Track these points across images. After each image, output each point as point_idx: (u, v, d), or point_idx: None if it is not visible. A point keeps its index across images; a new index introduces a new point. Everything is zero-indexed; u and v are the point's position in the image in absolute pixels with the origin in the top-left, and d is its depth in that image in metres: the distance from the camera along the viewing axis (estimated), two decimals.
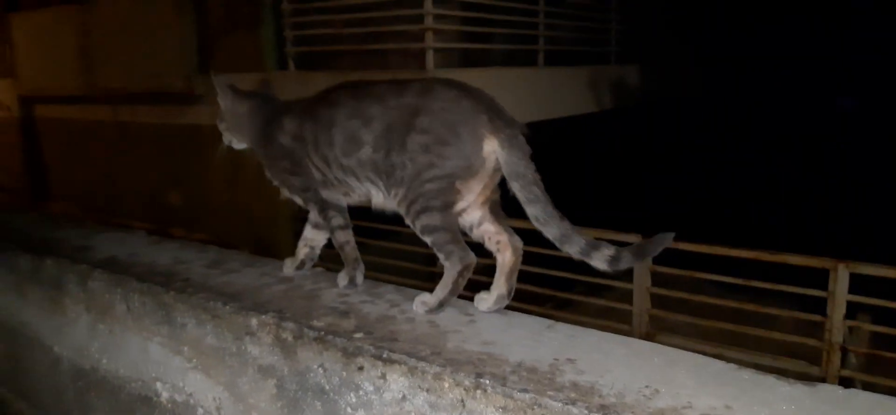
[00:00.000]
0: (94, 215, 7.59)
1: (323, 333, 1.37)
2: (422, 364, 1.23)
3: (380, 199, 1.56)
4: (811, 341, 4.69)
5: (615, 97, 9.26)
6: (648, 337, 5.30)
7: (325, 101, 1.60)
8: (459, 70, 6.90)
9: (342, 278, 1.66)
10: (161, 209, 8.01)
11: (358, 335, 1.35)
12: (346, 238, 1.68)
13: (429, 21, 6.35)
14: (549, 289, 5.44)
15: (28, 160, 9.63)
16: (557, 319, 1.44)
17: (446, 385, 1.19)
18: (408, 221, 1.48)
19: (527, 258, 1.52)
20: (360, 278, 1.66)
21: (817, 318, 4.63)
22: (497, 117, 1.41)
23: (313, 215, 1.73)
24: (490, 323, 1.40)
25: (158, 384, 1.75)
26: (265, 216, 7.14)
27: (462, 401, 1.17)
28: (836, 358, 4.57)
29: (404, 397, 1.26)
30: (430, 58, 6.50)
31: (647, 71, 9.86)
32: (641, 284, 5.31)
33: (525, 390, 1.10)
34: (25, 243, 2.15)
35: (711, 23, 9.74)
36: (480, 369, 1.18)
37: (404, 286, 1.64)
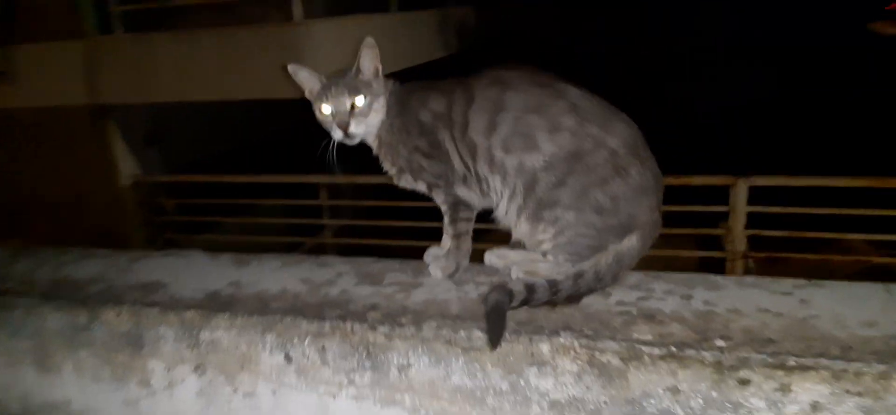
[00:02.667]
0: None
1: (674, 348, 1.11)
2: (853, 365, 1.03)
3: (504, 213, 1.40)
4: (718, 254, 5.02)
5: (459, 40, 9.21)
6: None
7: (493, 79, 1.37)
8: (328, 20, 6.37)
9: (448, 265, 1.44)
10: None
11: (720, 343, 1.11)
12: (467, 230, 1.47)
13: None
14: None
15: None
16: None
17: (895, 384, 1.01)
18: (549, 254, 1.35)
19: None
20: (463, 265, 1.47)
21: (718, 231, 4.94)
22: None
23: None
24: (824, 304, 1.23)
25: None
26: (105, 205, 6.11)
27: None
28: (740, 265, 4.97)
29: (816, 405, 1.05)
30: (297, 7, 5.90)
31: (482, 12, 9.90)
32: None
33: None
34: None
35: None
36: None
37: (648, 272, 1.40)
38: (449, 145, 1.39)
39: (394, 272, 1.49)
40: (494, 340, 1.19)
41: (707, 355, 1.09)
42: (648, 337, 1.14)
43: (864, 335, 1.10)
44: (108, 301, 1.46)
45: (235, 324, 1.36)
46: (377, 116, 1.44)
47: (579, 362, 1.16)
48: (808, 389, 1.05)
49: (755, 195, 4.30)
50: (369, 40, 1.43)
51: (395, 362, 1.26)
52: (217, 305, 1.40)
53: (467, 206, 1.43)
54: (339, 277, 1.49)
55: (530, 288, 1.25)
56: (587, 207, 1.27)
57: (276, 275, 1.53)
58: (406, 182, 1.49)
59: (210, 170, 5.18)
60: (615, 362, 1.14)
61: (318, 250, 5.74)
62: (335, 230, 5.89)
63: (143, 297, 1.47)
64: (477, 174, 1.38)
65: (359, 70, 1.44)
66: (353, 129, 1.43)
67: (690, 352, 1.10)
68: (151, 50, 5.74)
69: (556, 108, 1.30)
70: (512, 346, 1.19)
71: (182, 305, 1.41)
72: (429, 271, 1.46)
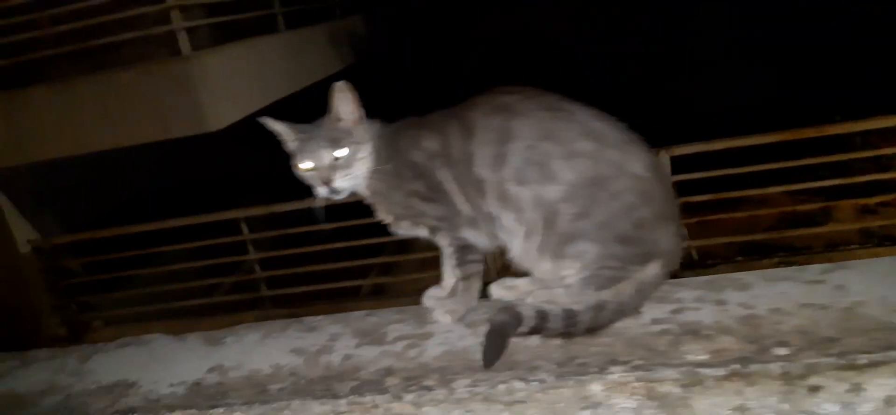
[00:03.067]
0: None
1: (736, 366, 1.03)
2: None
3: (521, 253, 1.27)
4: None
5: (354, 51, 9.01)
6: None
7: (493, 107, 1.24)
8: (218, 49, 6.05)
9: (457, 308, 1.31)
10: None
11: (781, 351, 1.05)
12: (477, 271, 1.34)
13: None
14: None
15: None
16: None
17: None
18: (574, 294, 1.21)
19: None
20: (473, 307, 1.34)
21: None
22: None
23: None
24: (861, 287, 1.19)
25: None
26: (3, 279, 5.59)
27: None
28: None
29: (891, 400, 1.00)
30: (184, 41, 5.54)
31: (371, 21, 9.74)
32: None
33: None
34: None
35: None
36: None
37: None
38: (450, 186, 1.26)
39: (394, 324, 1.35)
40: (488, 360, 1.13)
41: (773, 368, 1.02)
42: (704, 357, 1.07)
43: None
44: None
45: None
46: (363, 165, 1.31)
47: (637, 397, 1.06)
48: (882, 384, 1.00)
49: (679, 165, 4.37)
50: (341, 84, 1.28)
51: None
52: (205, 398, 1.22)
53: (475, 249, 1.31)
54: (335, 340, 1.34)
55: (542, 316, 1.16)
56: (611, 238, 1.17)
57: (260, 350, 1.36)
58: (404, 229, 1.36)
59: (116, 222, 4.82)
60: (676, 390, 1.05)
61: (245, 287, 5.47)
62: (260, 263, 5.64)
63: (113, 403, 1.26)
64: (487, 214, 1.25)
65: (338, 118, 1.29)
66: (337, 183, 1.29)
67: (755, 367, 1.03)
68: (27, 106, 5.28)
69: (569, 132, 1.19)
70: (559, 391, 1.08)
71: (163, 406, 1.22)
72: (433, 317, 1.33)
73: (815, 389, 1.02)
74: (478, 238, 1.30)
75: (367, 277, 6.93)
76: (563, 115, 1.20)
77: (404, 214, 1.32)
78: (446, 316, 1.31)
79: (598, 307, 1.16)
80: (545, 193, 1.18)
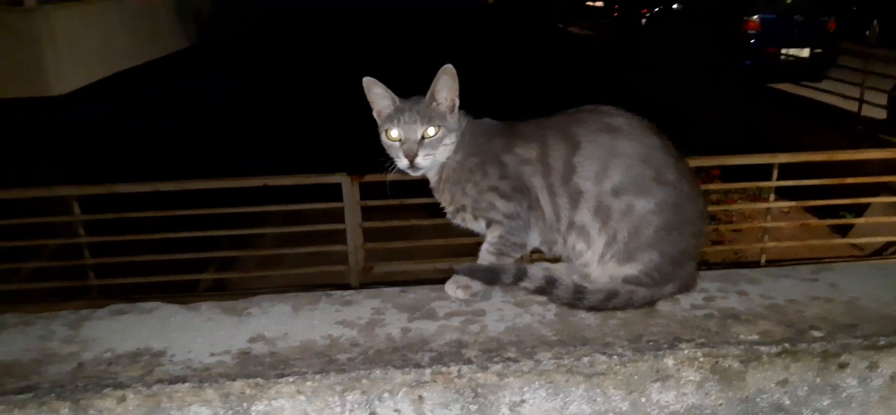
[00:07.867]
0: None
1: (787, 345, 1.19)
2: None
3: (594, 256, 1.33)
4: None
5: (199, 30, 8.55)
6: (366, 271, 5.38)
7: (603, 126, 1.32)
8: (66, 6, 5.47)
9: (471, 286, 1.36)
10: None
11: (817, 334, 1.22)
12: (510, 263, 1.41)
13: None
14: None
15: None
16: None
17: None
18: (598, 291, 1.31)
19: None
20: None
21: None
22: None
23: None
24: (849, 286, 1.42)
25: None
26: None
27: None
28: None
29: (894, 375, 1.22)
30: None
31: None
32: (354, 223, 5.31)
33: None
34: None
35: None
36: None
37: None
38: (540, 192, 1.32)
39: (438, 302, 1.36)
40: (464, 270, 1.33)
41: (816, 347, 1.19)
42: (755, 337, 1.21)
43: None
44: (102, 383, 1.10)
45: (304, 389, 1.12)
46: (445, 151, 1.35)
47: (702, 371, 1.19)
48: (892, 363, 1.21)
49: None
50: (449, 68, 1.30)
51: (507, 400, 1.17)
52: (267, 367, 1.14)
53: (523, 247, 1.38)
54: (381, 314, 1.32)
55: (550, 281, 1.29)
56: (669, 256, 1.29)
57: (299, 321, 1.30)
58: (461, 220, 1.41)
59: None
60: (736, 365, 1.19)
61: (76, 272, 4.97)
62: (93, 248, 5.14)
63: (148, 371, 1.14)
64: (572, 222, 1.31)
65: (434, 98, 1.32)
66: (419, 160, 1.32)
67: (802, 346, 1.19)
68: None
69: (665, 160, 1.29)
70: (636, 365, 1.17)
71: (219, 375, 1.12)
72: (446, 290, 1.38)
73: (843, 366, 1.20)
74: (537, 240, 1.36)
75: (205, 272, 6.56)
76: (660, 144, 1.31)
77: (471, 206, 1.36)
78: (458, 291, 1.36)
79: (611, 294, 1.28)
80: (638, 205, 1.27)
